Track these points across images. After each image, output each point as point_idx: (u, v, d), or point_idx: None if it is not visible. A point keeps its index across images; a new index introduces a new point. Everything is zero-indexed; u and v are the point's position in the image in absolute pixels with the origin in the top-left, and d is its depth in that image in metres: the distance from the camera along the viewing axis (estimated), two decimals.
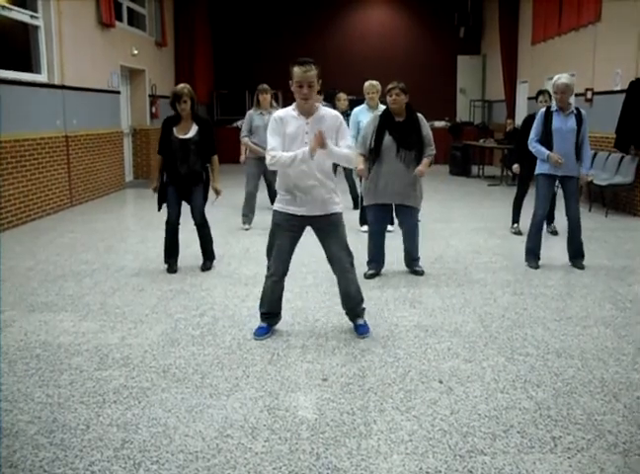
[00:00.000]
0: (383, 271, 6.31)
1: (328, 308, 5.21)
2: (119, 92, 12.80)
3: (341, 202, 4.57)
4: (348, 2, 19.06)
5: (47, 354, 4.29)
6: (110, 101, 12.25)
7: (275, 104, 8.62)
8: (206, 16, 17.94)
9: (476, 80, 19.37)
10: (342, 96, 9.83)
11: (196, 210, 6.36)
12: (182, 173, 6.19)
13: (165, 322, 4.92)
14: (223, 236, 7.97)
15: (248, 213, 8.65)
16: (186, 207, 6.40)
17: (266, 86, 8.51)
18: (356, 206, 9.30)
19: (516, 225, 8.46)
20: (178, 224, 6.38)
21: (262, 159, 8.37)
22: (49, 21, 9.81)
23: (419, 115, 6.01)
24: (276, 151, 4.31)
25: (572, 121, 6.34)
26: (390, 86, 5.89)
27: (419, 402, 3.59)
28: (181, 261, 6.57)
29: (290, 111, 4.43)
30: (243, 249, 7.39)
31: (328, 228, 4.50)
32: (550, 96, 8.24)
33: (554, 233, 8.12)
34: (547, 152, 6.32)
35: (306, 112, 4.38)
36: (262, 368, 4.05)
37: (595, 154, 10.77)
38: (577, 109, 6.44)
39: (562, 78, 6.23)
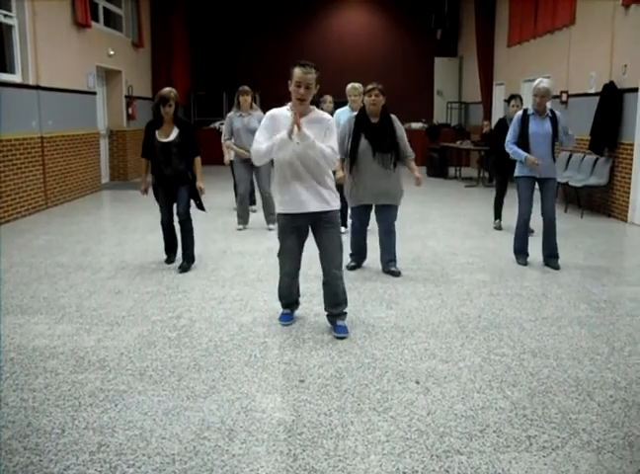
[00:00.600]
0: (360, 273, 6.36)
1: (305, 310, 5.21)
2: (95, 93, 12.70)
3: (338, 200, 4.68)
4: (325, 4, 19.08)
5: (22, 357, 4.24)
6: (86, 102, 12.14)
7: (255, 105, 8.60)
8: (184, 17, 17.85)
9: (453, 82, 19.48)
10: (328, 98, 9.76)
11: (180, 207, 6.47)
12: (166, 175, 6.35)
13: (141, 324, 4.89)
14: (199, 238, 7.92)
15: (243, 214, 8.71)
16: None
17: (246, 88, 8.50)
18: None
19: (497, 221, 8.76)
20: (172, 223, 6.63)
21: (248, 161, 8.39)
22: (23, 20, 9.71)
23: (393, 116, 6.10)
24: (258, 145, 4.43)
25: (548, 125, 6.46)
26: (370, 87, 5.98)
27: (396, 403, 3.60)
28: (157, 263, 6.58)
29: (284, 110, 4.52)
30: (220, 251, 7.36)
31: (325, 225, 4.61)
32: (522, 100, 8.44)
33: (529, 231, 8.20)
34: (524, 154, 6.41)
35: (300, 113, 4.43)
36: (239, 370, 4.04)
37: (570, 156, 10.92)
38: (551, 111, 6.54)
39: (543, 82, 6.37)
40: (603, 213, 10.00)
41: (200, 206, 6.60)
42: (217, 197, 11.04)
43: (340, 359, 4.22)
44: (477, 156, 14.92)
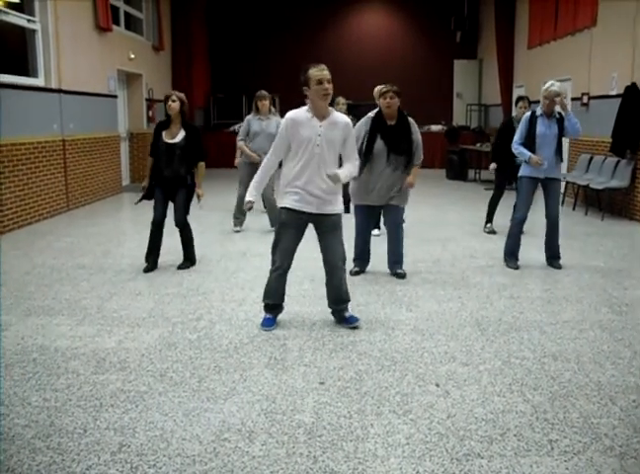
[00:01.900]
0: (379, 275, 6.34)
1: (325, 312, 5.20)
2: (116, 96, 12.80)
3: (342, 203, 4.80)
4: (344, 6, 19.10)
5: (44, 357, 4.28)
6: (107, 105, 12.24)
7: (273, 110, 8.63)
8: (204, 20, 17.96)
9: (473, 84, 19.40)
10: (341, 100, 9.76)
11: (177, 212, 6.56)
12: (166, 175, 6.45)
13: (162, 326, 4.92)
14: (219, 240, 7.98)
15: (239, 216, 8.71)
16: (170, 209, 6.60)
17: (264, 92, 8.53)
18: (347, 210, 9.20)
19: (489, 225, 8.72)
20: (162, 224, 6.56)
21: (255, 165, 8.40)
22: (46, 25, 9.82)
23: (410, 119, 6.09)
24: (268, 164, 4.77)
25: (555, 127, 6.53)
26: (384, 89, 5.99)
27: (416, 405, 3.60)
28: (177, 265, 6.64)
29: (304, 112, 4.61)
30: (240, 253, 7.39)
31: (328, 228, 4.73)
32: (530, 102, 8.50)
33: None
34: (529, 154, 6.48)
35: (320, 115, 4.56)
36: (259, 372, 4.05)
37: (591, 158, 10.84)
38: (559, 113, 6.60)
39: (554, 85, 6.44)
40: (625, 216, 9.91)
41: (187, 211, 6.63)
42: (232, 199, 11.04)
43: (360, 362, 4.22)
44: None
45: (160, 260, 6.71)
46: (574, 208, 10.57)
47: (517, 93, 15.93)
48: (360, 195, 6.18)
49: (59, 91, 10.09)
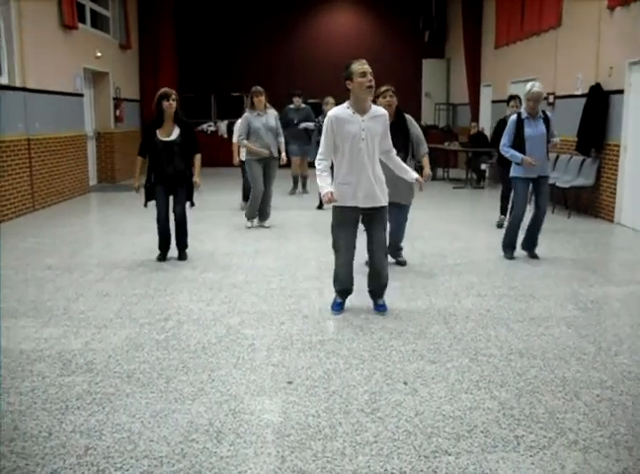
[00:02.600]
0: None
1: (293, 311, 5.21)
2: (82, 95, 12.64)
3: (387, 196, 4.99)
4: (313, 6, 19.07)
5: (9, 360, 4.22)
6: (73, 104, 12.09)
7: (268, 105, 8.57)
8: (172, 18, 17.75)
9: (441, 84, 19.52)
10: (330, 100, 10.05)
11: (177, 206, 6.79)
12: (168, 173, 6.60)
13: (129, 327, 4.88)
14: (189, 240, 7.91)
15: (253, 213, 8.77)
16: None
17: (260, 88, 8.50)
18: None
19: (502, 217, 9.01)
20: (167, 221, 6.81)
21: (263, 160, 8.43)
22: (10, 22, 9.66)
23: (407, 116, 6.29)
24: (323, 163, 4.83)
25: (542, 126, 6.71)
26: (384, 88, 6.23)
27: (383, 403, 3.61)
28: (145, 266, 6.58)
29: (345, 109, 4.79)
30: (208, 253, 7.35)
31: (376, 218, 4.97)
32: (521, 101, 8.65)
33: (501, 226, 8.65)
34: (521, 156, 6.64)
35: (361, 109, 4.75)
36: (227, 372, 4.04)
37: (557, 157, 10.98)
38: (543, 112, 6.77)
39: (536, 86, 6.65)
40: (591, 214, 10.06)
41: (192, 204, 6.93)
42: (204, 198, 11.01)
43: (328, 361, 4.22)
44: (465, 157, 14.95)
45: (128, 261, 6.65)
46: None
47: (484, 92, 16.11)
48: None
49: (24, 89, 9.93)
